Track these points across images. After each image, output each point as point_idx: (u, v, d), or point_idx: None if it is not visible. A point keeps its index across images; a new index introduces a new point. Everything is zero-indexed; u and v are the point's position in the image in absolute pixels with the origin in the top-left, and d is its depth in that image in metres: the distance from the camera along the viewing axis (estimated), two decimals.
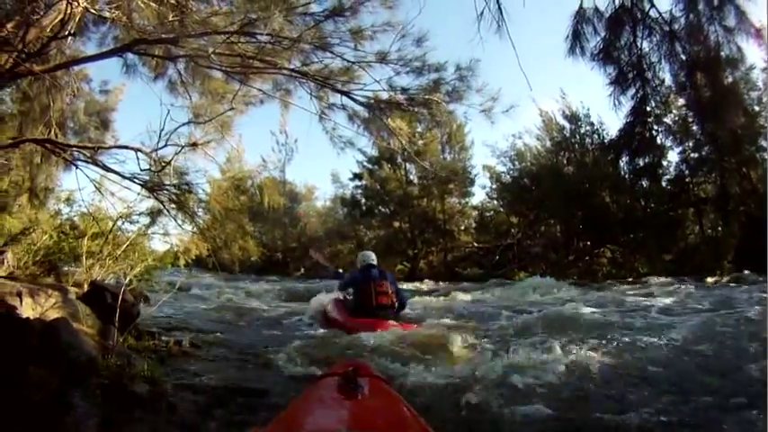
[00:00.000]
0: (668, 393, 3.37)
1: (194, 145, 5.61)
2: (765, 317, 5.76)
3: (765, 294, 7.92)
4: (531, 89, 6.25)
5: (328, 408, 1.52)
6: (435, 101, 5.94)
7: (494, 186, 24.98)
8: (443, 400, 3.41)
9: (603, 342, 4.74)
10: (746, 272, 12.49)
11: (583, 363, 4.06)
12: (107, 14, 5.49)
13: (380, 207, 26.31)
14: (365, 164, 26.01)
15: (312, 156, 37.92)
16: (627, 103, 5.40)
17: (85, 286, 5.45)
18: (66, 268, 6.78)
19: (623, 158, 16.47)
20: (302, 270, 26.19)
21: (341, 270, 9.12)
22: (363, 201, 26.67)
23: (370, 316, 6.22)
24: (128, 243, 6.67)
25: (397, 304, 6.68)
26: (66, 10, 4.56)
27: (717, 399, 3.19)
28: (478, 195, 30.55)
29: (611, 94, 5.31)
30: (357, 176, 26.69)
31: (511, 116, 6.15)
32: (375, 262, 6.97)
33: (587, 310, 6.95)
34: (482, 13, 4.34)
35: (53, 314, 4.01)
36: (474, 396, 3.33)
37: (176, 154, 5.47)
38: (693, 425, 2.87)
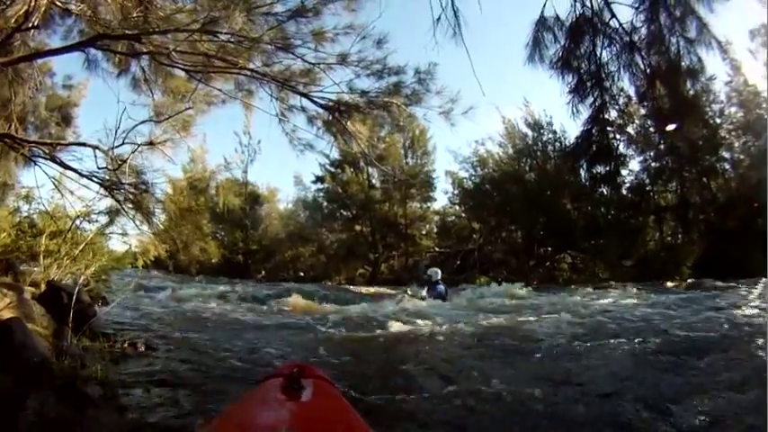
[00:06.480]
0: None
1: (151, 144, 5.53)
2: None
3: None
4: (485, 95, 6.48)
5: (270, 408, 1.52)
6: (395, 104, 5.97)
7: (456, 192, 25.27)
8: None
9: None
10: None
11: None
12: (72, 8, 5.42)
13: (342, 210, 26.43)
14: (328, 167, 25.97)
15: (275, 158, 37.40)
16: (586, 112, 5.49)
17: (43, 286, 5.34)
18: (23, 267, 6.61)
19: (582, 165, 16.73)
20: (263, 273, 25.98)
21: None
22: (325, 204, 26.80)
23: None
24: (86, 243, 6.53)
25: None
26: (30, 2, 4.49)
27: None
28: (441, 200, 30.62)
29: (569, 102, 5.39)
30: (319, 179, 26.66)
31: (470, 118, 6.23)
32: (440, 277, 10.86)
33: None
34: (438, 18, 4.38)
35: (7, 314, 3.94)
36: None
37: (133, 152, 5.38)
38: None
